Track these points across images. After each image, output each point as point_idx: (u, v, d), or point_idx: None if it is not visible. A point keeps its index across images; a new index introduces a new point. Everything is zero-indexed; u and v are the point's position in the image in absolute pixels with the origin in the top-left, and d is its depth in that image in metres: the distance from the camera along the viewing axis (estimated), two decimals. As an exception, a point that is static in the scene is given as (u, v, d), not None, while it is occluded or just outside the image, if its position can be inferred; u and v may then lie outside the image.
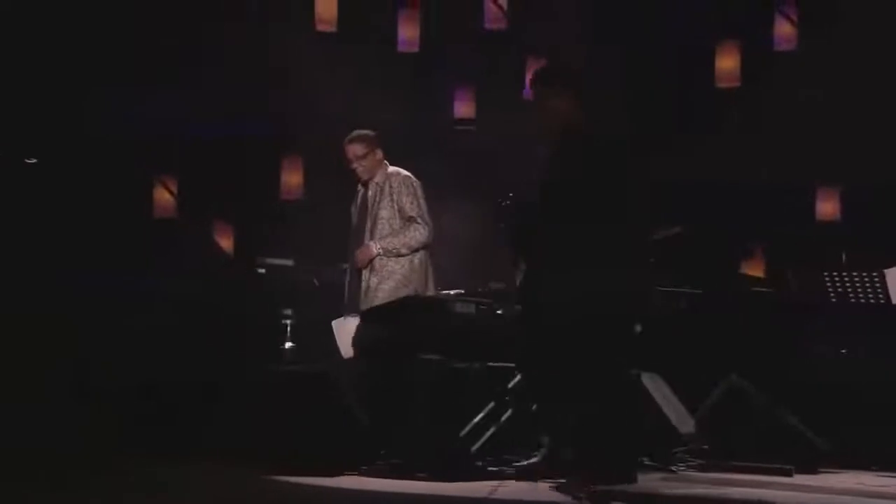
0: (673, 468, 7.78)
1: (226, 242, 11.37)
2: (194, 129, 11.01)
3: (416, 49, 11.07)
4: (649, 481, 7.26)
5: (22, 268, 10.14)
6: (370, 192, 8.83)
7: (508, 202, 7.54)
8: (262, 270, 9.29)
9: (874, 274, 8.37)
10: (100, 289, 10.51)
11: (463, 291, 8.57)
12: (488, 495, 6.79)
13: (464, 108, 11.26)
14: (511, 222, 7.50)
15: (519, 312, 7.45)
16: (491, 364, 7.95)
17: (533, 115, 7.41)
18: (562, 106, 7.29)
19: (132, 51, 10.57)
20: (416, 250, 8.73)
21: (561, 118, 7.27)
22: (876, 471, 7.99)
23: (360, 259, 8.75)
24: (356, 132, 8.88)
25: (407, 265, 8.71)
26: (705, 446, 8.08)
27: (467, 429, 7.68)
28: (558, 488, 6.92)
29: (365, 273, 8.74)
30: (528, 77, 9.38)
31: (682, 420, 8.12)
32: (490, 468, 7.54)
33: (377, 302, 8.58)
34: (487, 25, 10.97)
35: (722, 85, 10.80)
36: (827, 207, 10.80)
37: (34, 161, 9.64)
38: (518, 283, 7.42)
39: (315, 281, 9.06)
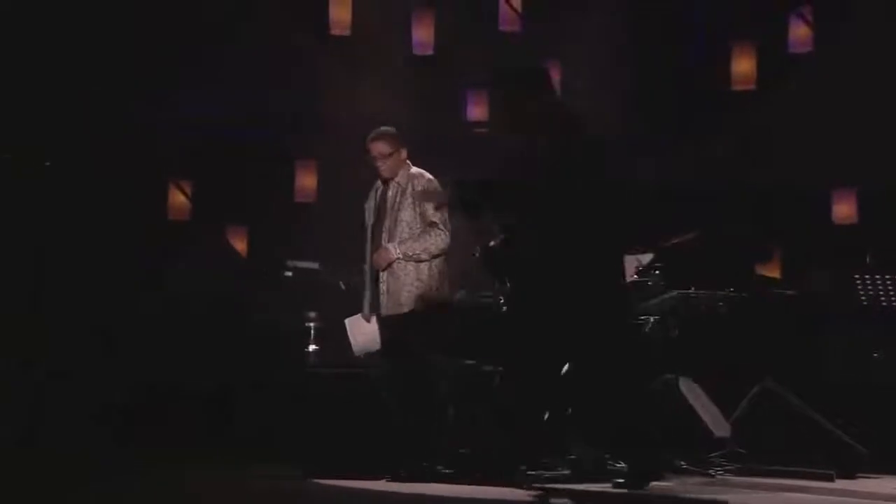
0: (711, 472, 7.80)
1: (240, 245, 11.31)
2: (209, 132, 10.95)
3: (430, 52, 11.06)
4: (689, 485, 7.28)
5: (41, 269, 10.07)
6: (391, 192, 8.66)
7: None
8: (289, 274, 9.18)
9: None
10: (117, 291, 10.46)
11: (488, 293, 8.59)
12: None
13: (477, 110, 11.23)
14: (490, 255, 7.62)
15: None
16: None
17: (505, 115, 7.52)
18: (533, 106, 7.35)
19: (151, 54, 10.51)
20: (436, 256, 8.62)
21: (533, 118, 7.32)
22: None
23: (378, 262, 8.63)
24: (382, 129, 8.68)
25: (426, 270, 8.60)
26: (741, 450, 8.10)
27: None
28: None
29: (383, 275, 8.60)
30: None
31: (717, 424, 8.13)
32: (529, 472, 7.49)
33: (397, 307, 8.52)
34: (502, 27, 10.99)
35: (738, 87, 10.84)
36: (844, 209, 10.84)
37: (49, 164, 9.54)
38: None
39: (342, 284, 8.98)
